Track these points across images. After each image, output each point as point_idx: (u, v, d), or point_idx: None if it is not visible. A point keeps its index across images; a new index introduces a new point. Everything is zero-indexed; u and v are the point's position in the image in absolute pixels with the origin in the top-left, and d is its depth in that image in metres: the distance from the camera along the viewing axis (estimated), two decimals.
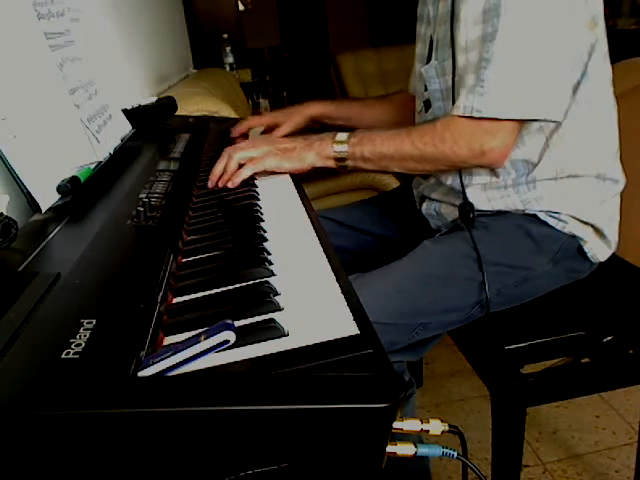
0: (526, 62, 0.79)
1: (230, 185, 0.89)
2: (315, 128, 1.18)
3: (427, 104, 1.02)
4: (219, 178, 0.90)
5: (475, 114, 0.81)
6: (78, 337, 0.42)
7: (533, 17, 0.78)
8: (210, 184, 0.91)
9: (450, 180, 0.97)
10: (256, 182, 0.93)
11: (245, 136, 1.19)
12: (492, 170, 0.93)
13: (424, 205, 1.07)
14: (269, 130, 1.17)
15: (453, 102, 0.89)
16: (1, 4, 0.71)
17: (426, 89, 1.01)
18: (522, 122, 0.84)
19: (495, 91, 0.80)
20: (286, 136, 1.09)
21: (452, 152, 0.85)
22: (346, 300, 0.52)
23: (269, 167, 0.92)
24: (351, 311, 0.50)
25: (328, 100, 1.20)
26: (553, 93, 0.81)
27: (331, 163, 0.92)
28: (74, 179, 0.74)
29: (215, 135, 1.24)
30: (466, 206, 0.93)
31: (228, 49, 3.50)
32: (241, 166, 0.91)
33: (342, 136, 0.91)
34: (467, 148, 0.84)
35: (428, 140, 0.86)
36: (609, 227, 0.95)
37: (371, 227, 1.16)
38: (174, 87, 2.01)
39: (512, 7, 0.77)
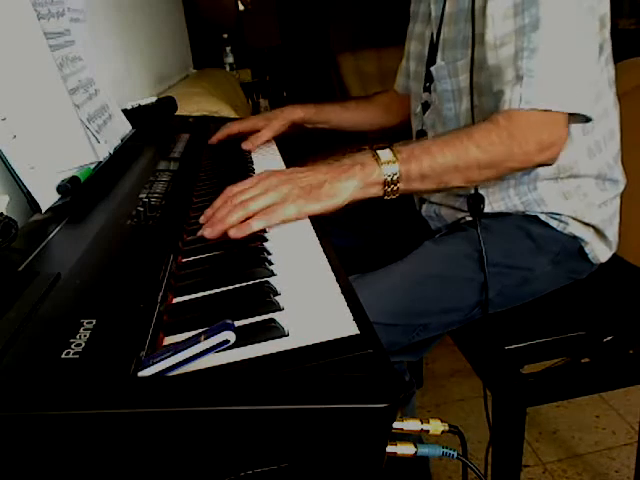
0: (570, 50, 0.77)
1: (232, 236, 0.68)
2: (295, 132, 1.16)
3: (425, 106, 1.01)
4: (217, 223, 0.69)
5: (524, 105, 0.77)
6: (78, 337, 0.42)
7: (569, 8, 0.77)
8: (204, 232, 0.69)
9: None
10: None
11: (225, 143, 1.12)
12: None
13: (424, 207, 1.07)
14: (248, 134, 1.11)
15: (472, 102, 0.86)
16: (1, 4, 0.71)
17: (425, 90, 1.00)
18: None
19: (544, 81, 0.77)
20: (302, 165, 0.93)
21: (521, 149, 0.78)
22: (346, 300, 0.52)
23: (289, 217, 0.71)
24: (351, 311, 0.50)
25: (309, 104, 1.17)
26: (588, 87, 0.80)
27: (377, 191, 0.77)
28: (74, 179, 0.74)
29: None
30: (475, 197, 0.88)
31: (228, 49, 3.50)
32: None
33: (387, 155, 0.77)
34: (535, 142, 0.78)
35: (495, 139, 0.77)
36: (610, 228, 0.95)
37: (371, 227, 1.16)
38: (174, 87, 2.01)
39: None
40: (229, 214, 0.69)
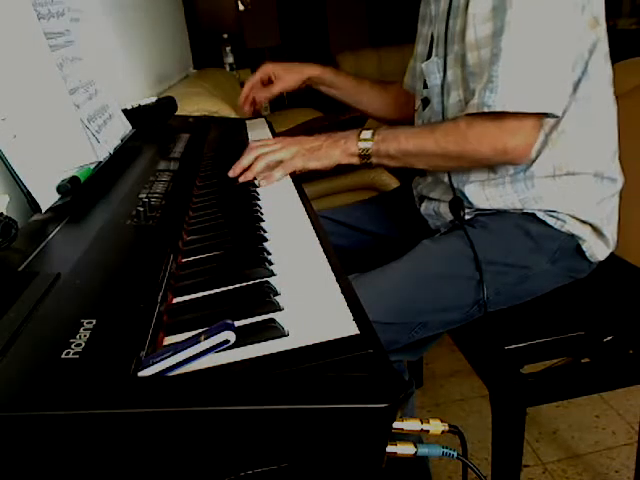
0: (532, 56, 0.79)
1: (262, 185, 0.92)
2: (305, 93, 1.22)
3: (425, 102, 1.02)
4: (242, 173, 0.92)
5: (484, 109, 0.81)
6: (78, 337, 0.42)
7: (537, 12, 0.78)
8: (232, 173, 0.92)
9: (447, 177, 0.97)
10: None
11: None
12: (490, 166, 0.92)
13: (423, 205, 1.07)
14: (266, 83, 1.20)
15: (442, 101, 0.92)
16: (1, 4, 0.71)
17: (425, 87, 1.01)
18: (543, 119, 0.84)
19: (503, 85, 0.80)
20: (307, 131, 1.11)
21: (475, 151, 0.85)
22: (346, 300, 0.52)
23: (297, 168, 0.94)
24: (351, 311, 0.50)
25: (328, 67, 1.23)
26: (556, 87, 0.81)
27: (355, 160, 0.93)
28: (74, 179, 0.74)
29: (215, 135, 1.24)
30: (456, 202, 0.94)
31: (228, 49, 3.50)
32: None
33: (367, 134, 0.92)
34: (490, 147, 0.84)
35: (451, 139, 0.86)
36: (607, 226, 0.95)
37: (371, 227, 1.16)
38: (174, 87, 2.01)
39: (517, 1, 0.77)
40: (256, 162, 0.92)
